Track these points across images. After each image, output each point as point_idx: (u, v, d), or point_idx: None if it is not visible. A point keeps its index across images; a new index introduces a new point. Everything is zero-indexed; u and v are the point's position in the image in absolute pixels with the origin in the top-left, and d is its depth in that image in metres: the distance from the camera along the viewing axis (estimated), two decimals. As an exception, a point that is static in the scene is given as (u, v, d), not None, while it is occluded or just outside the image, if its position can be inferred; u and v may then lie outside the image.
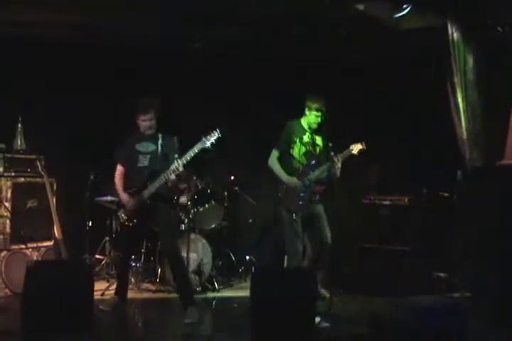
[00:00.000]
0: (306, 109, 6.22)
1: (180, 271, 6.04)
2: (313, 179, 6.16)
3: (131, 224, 5.96)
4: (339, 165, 6.04)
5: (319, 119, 6.17)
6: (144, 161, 6.01)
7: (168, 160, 5.89)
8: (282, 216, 6.21)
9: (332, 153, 6.02)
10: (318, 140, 6.32)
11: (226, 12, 6.58)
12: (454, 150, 6.41)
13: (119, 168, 6.17)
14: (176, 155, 5.85)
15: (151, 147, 6.04)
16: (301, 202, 6.12)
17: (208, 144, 5.72)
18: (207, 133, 5.75)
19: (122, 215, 6.01)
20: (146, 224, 6.07)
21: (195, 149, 5.73)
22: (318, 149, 6.30)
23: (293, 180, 6.15)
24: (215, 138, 5.73)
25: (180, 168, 5.73)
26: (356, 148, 6.18)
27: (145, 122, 6.00)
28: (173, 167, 5.73)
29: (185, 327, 5.60)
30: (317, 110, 6.14)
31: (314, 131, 6.28)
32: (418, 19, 6.30)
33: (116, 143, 6.28)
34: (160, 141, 6.01)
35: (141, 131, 6.08)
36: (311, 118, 6.20)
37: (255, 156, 8.16)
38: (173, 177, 5.76)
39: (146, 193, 5.88)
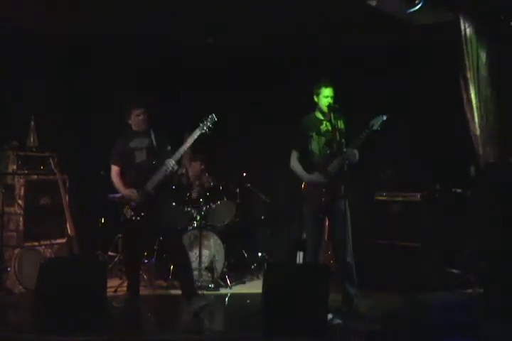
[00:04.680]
0: (315, 97, 5.97)
1: (183, 262, 6.02)
2: (332, 171, 5.81)
3: (138, 218, 5.93)
4: (355, 151, 5.75)
5: (330, 99, 5.85)
6: (141, 156, 6.01)
7: (163, 152, 5.99)
8: (305, 213, 6.01)
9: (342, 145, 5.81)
10: (340, 123, 5.93)
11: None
12: (467, 146, 6.38)
13: (115, 168, 6.11)
14: (169, 147, 6.02)
15: (146, 142, 6.04)
16: (323, 199, 5.86)
17: (206, 129, 5.87)
18: (203, 118, 5.92)
19: (128, 211, 5.97)
20: (152, 216, 5.98)
21: (194, 135, 5.87)
22: (341, 133, 5.84)
23: (313, 177, 5.88)
24: (212, 122, 5.89)
25: (175, 166, 5.89)
26: (377, 123, 5.77)
27: (139, 116, 6.04)
28: (168, 163, 5.83)
29: (197, 323, 5.61)
30: (324, 90, 5.86)
31: (334, 116, 5.84)
32: (431, 15, 6.28)
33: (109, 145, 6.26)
34: (153, 136, 6.05)
35: (134, 127, 6.10)
36: (322, 103, 5.90)
37: (268, 153, 8.21)
38: (174, 168, 5.90)
39: (150, 185, 5.89)
